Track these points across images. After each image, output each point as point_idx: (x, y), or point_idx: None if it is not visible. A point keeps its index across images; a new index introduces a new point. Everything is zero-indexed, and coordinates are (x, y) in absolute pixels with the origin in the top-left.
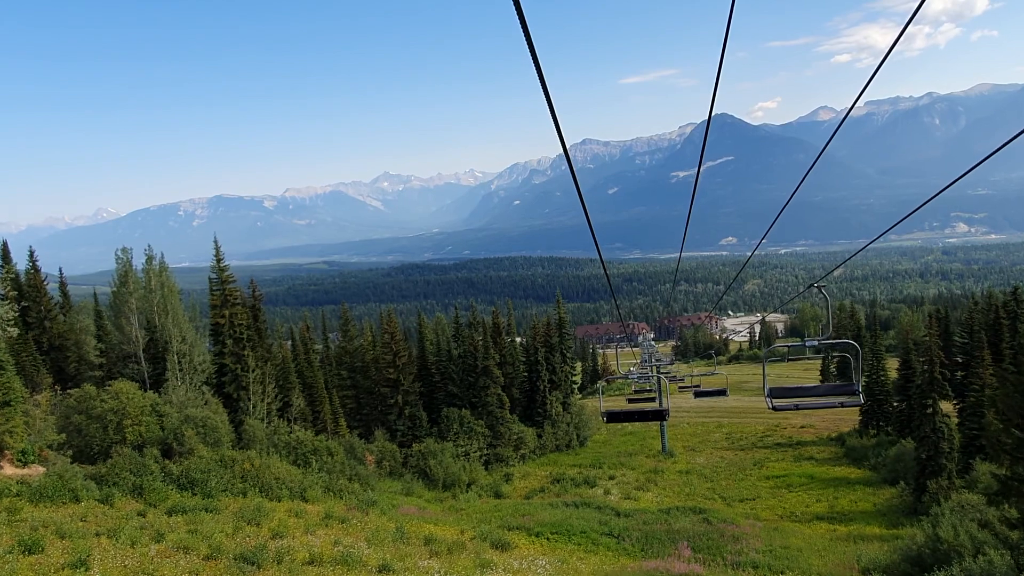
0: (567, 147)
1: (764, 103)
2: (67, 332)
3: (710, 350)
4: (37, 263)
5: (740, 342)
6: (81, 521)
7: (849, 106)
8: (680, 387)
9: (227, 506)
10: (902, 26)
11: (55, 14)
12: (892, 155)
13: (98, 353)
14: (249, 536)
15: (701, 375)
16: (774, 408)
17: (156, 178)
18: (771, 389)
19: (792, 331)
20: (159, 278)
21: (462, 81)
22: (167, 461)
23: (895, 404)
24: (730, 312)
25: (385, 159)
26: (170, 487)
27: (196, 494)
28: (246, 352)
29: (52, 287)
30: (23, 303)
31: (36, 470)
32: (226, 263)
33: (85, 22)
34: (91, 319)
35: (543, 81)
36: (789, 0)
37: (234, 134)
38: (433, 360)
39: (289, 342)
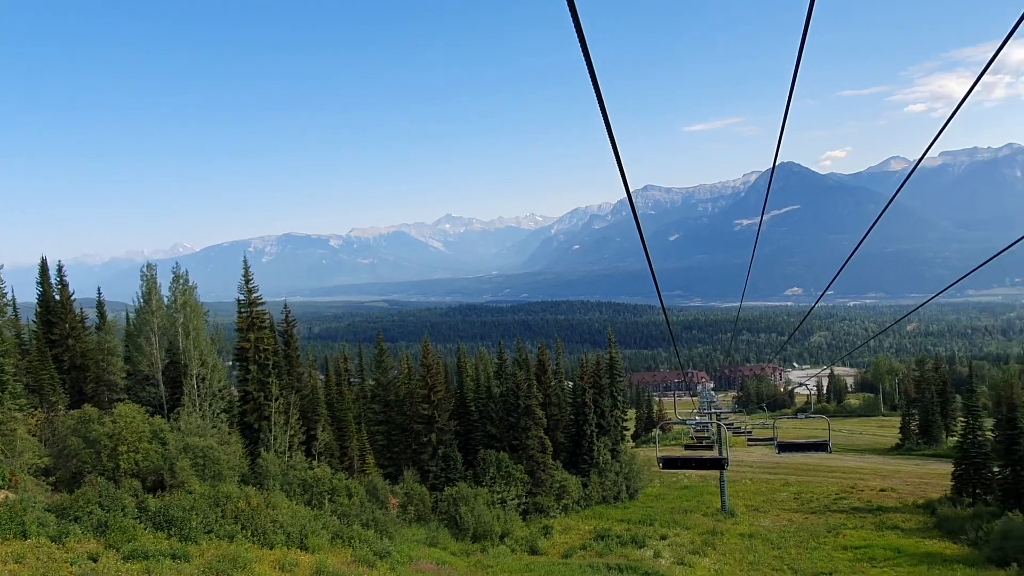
0: (631, 193)
1: (833, 152)
2: (92, 351)
3: (766, 401)
4: (66, 282)
5: (807, 395)
6: (15, 563)
7: (920, 156)
8: (749, 440)
9: (203, 552)
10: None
11: (123, 62)
12: (970, 208)
13: (124, 375)
14: None
15: (768, 424)
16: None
17: (229, 215)
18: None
19: (864, 385)
20: (184, 298)
21: (525, 128)
22: (148, 495)
23: (996, 470)
24: (795, 364)
25: (448, 202)
26: (143, 525)
27: (172, 535)
28: (270, 379)
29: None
30: (49, 320)
31: (1, 496)
32: (256, 286)
33: (151, 69)
34: (119, 339)
35: (610, 129)
36: (862, 50)
37: (304, 174)
38: (472, 398)
39: (323, 375)
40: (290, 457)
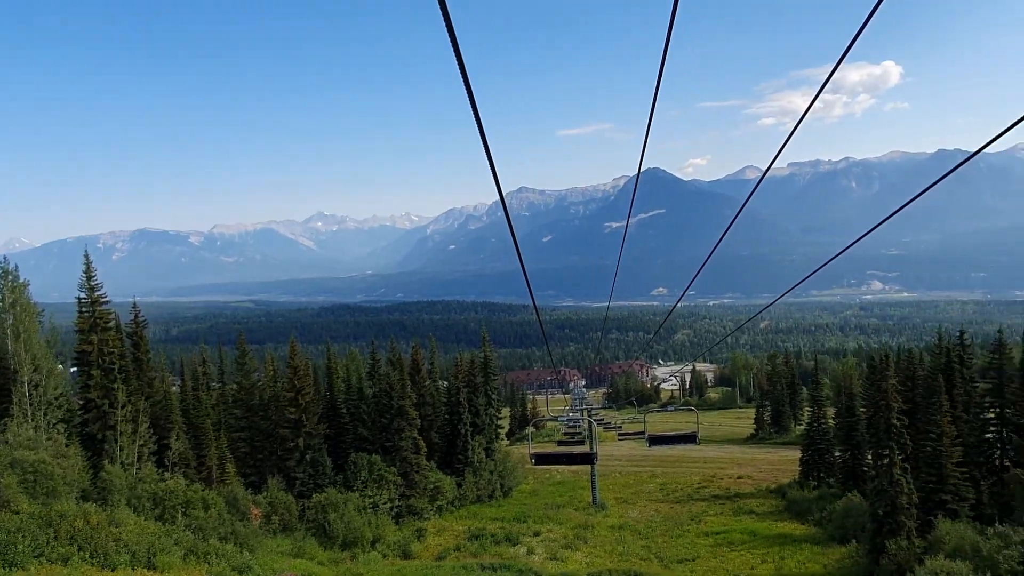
0: (503, 195)
1: (695, 160)
2: None
3: (634, 397)
4: None
5: (671, 390)
6: None
7: (767, 166)
8: (620, 435)
9: None
10: (822, 95)
11: None
12: (814, 214)
13: None
14: None
15: (638, 419)
16: None
17: (74, 208)
18: None
19: (722, 380)
20: (13, 296)
21: (401, 126)
22: None
23: (837, 454)
24: (660, 361)
25: (320, 199)
26: None
27: None
28: (116, 385)
29: None
30: None
31: None
32: (100, 283)
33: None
34: None
35: (482, 132)
36: (719, 64)
37: (159, 165)
38: (343, 400)
39: (180, 380)
40: (139, 469)
